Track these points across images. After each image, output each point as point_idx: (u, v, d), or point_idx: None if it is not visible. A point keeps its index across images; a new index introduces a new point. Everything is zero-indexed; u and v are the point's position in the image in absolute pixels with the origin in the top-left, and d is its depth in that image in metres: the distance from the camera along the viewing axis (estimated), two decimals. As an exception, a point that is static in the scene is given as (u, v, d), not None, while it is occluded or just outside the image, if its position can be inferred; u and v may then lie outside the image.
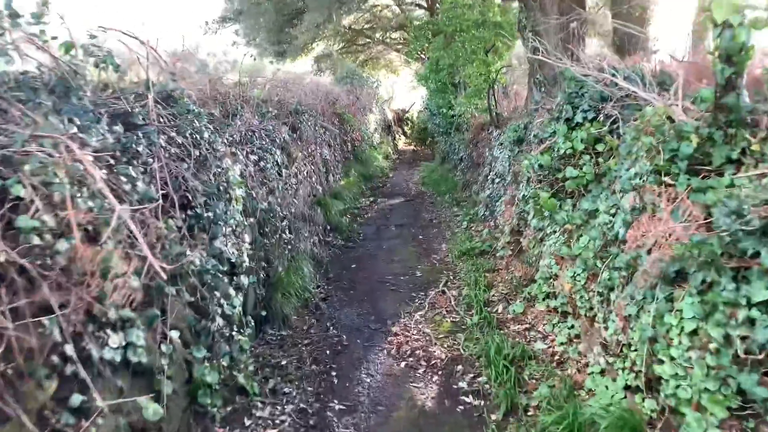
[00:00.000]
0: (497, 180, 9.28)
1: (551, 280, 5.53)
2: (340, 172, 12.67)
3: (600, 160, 4.84)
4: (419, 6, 23.96)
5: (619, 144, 4.65)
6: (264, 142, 6.19)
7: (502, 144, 10.07)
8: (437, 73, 14.63)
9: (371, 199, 13.15)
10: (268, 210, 5.75)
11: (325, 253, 8.03)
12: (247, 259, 4.89)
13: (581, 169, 4.85)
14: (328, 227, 9.02)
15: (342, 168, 13.01)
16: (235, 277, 4.69)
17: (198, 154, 4.06)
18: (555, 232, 5.64)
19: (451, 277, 6.96)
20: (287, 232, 6.68)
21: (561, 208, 5.14)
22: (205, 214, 4.08)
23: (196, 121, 4.13)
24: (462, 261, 7.54)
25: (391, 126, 28.82)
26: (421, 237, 9.27)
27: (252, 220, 5.33)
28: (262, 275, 5.38)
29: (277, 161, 6.66)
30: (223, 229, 4.36)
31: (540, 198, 5.24)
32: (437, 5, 19.54)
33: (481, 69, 10.61)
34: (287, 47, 23.68)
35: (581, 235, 4.96)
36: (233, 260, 4.51)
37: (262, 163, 5.89)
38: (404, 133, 31.85)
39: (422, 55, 23.91)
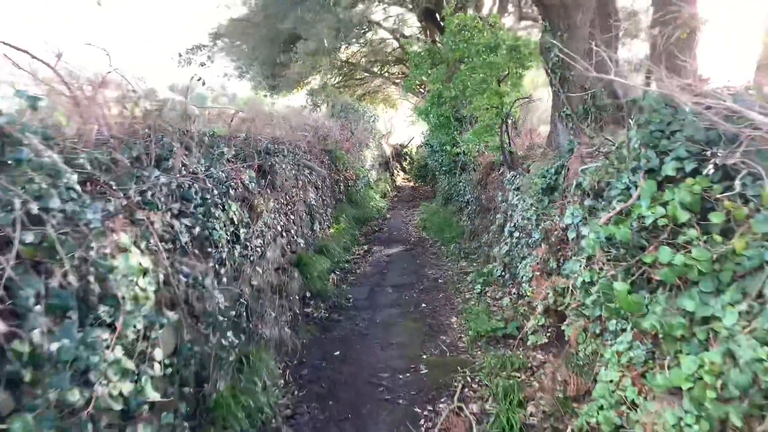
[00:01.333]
0: (517, 235, 7.44)
1: (623, 407, 3.61)
2: (329, 217, 10.85)
3: (715, 237, 2.99)
4: (419, 39, 22.72)
5: (751, 214, 2.84)
6: (209, 197, 4.35)
7: (519, 189, 8.30)
8: (439, 107, 12.99)
9: (365, 247, 11.28)
10: (203, 297, 3.86)
11: (302, 334, 6.10)
12: (153, 392, 2.98)
13: (687, 251, 3.00)
14: (308, 294, 7.12)
15: (332, 213, 11.19)
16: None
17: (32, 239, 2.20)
18: (625, 330, 3.77)
19: (469, 379, 5.01)
20: (245, 317, 4.78)
21: (648, 307, 3.26)
22: (48, 348, 2.21)
23: (38, 177, 2.29)
24: (481, 349, 5.62)
25: (389, 162, 27.24)
26: (424, 305, 7.35)
27: (173, 316, 3.43)
28: (185, 408, 3.44)
29: (231, 220, 4.82)
30: (95, 359, 2.48)
31: (613, 290, 3.37)
32: (437, 38, 18.19)
33: (493, 100, 8.92)
34: (281, 80, 22.33)
35: (680, 351, 3.10)
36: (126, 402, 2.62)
37: (198, 229, 4.03)
38: (403, 169, 30.29)
39: (421, 89, 22.59)
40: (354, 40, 21.62)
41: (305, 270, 7.24)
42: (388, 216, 16.73)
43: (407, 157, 31.67)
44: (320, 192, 10.35)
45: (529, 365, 5.02)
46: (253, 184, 5.83)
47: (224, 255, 4.52)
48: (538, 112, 12.01)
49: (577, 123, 7.30)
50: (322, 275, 7.65)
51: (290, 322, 6.07)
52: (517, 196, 8.50)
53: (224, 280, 4.42)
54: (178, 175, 4.05)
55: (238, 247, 4.92)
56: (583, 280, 3.95)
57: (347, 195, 13.46)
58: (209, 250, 4.30)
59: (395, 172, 28.07)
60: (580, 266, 4.15)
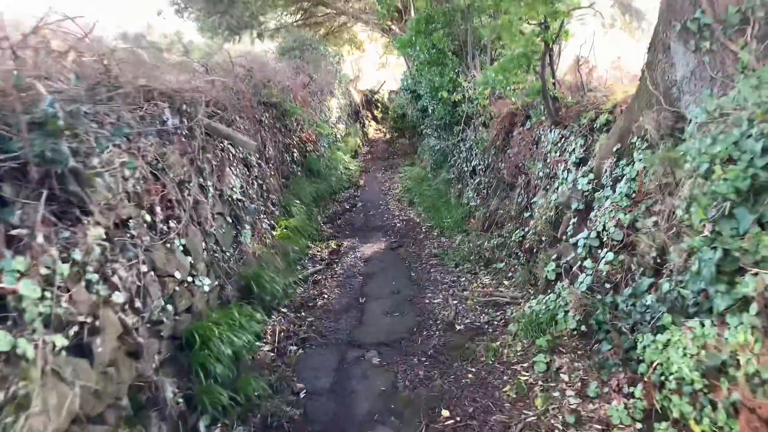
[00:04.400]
0: (610, 256, 3.79)
1: None
2: (273, 211, 6.90)
3: None
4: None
5: None
6: None
7: (583, 162, 4.66)
8: (429, 35, 8.87)
9: (330, 246, 7.46)
10: None
11: None
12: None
13: None
14: (202, 412, 3.36)
15: (278, 199, 7.23)
16: None
17: None
18: None
19: None
20: None
21: None
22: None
23: None
24: None
25: (359, 111, 22.93)
26: (445, 409, 3.66)
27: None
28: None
29: None
30: None
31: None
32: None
33: (536, 11, 4.97)
34: (228, 20, 17.54)
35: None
36: None
37: None
38: (374, 118, 25.97)
39: (392, 25, 18.00)
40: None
41: (199, 357, 3.45)
42: (361, 183, 12.82)
43: (378, 104, 27.28)
44: (254, 174, 6.35)
45: None
46: None
47: None
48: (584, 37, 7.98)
49: (722, 40, 3.50)
50: (239, 352, 3.86)
51: None
52: (582, 174, 4.79)
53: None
54: None
55: None
56: None
57: (304, 165, 9.43)
58: None
59: (366, 122, 23.82)
60: None
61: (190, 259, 4.01)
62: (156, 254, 3.50)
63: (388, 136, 18.79)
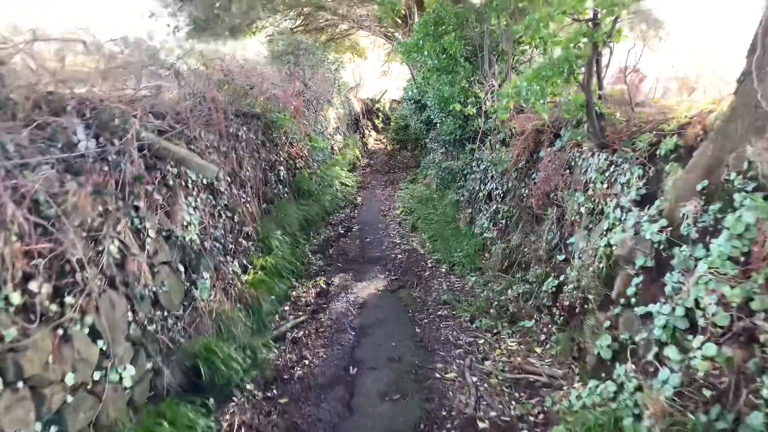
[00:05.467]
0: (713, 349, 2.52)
1: None
2: (251, 242, 5.61)
3: None
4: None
5: None
6: None
7: (653, 205, 3.41)
8: (438, 39, 7.68)
9: (317, 285, 6.18)
10: None
11: None
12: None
13: None
14: None
15: (258, 229, 5.95)
16: None
17: None
18: None
19: None
20: None
21: None
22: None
23: None
24: None
25: (358, 120, 21.73)
26: None
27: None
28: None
29: None
30: None
31: None
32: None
33: (581, 3, 3.74)
34: (222, 24, 16.44)
35: None
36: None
37: None
38: (375, 128, 24.77)
39: (396, 32, 16.84)
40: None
41: None
42: (358, 200, 11.57)
43: (379, 114, 26.11)
44: (223, 202, 5.07)
45: None
46: None
47: None
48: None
49: None
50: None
51: None
52: (648, 218, 3.56)
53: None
54: None
55: None
56: None
57: (293, 184, 8.17)
58: None
59: (366, 132, 22.62)
60: None
61: (101, 344, 2.74)
62: (26, 355, 2.23)
63: (389, 147, 17.56)
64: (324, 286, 6.24)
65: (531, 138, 6.13)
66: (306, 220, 7.87)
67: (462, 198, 8.46)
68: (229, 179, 5.30)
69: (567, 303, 4.37)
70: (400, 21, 14.68)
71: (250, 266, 5.25)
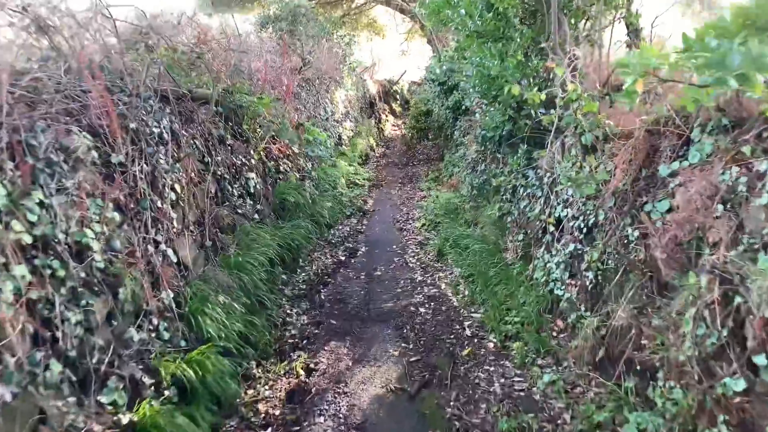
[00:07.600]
0: None
1: None
2: (154, 336, 3.15)
3: None
4: None
5: None
6: None
7: None
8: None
9: (289, 375, 3.75)
10: None
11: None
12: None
13: None
14: None
15: (185, 293, 3.51)
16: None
17: None
18: None
19: None
20: None
21: None
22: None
23: None
24: None
25: (374, 104, 19.10)
26: None
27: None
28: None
29: None
30: None
31: None
32: None
33: None
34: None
35: None
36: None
37: None
38: (392, 112, 22.05)
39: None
40: None
41: None
42: (368, 206, 9.11)
43: (398, 96, 23.36)
44: (93, 269, 2.66)
45: None
46: None
47: None
48: None
49: None
50: None
51: None
52: None
53: None
54: None
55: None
56: None
57: (272, 197, 5.72)
58: None
59: (383, 117, 19.99)
60: None
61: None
62: None
63: (408, 135, 14.96)
64: (302, 373, 3.84)
65: (642, 143, 3.54)
66: (289, 248, 5.44)
67: (508, 215, 5.91)
68: (117, 217, 2.87)
69: None
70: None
71: (146, 382, 2.82)
